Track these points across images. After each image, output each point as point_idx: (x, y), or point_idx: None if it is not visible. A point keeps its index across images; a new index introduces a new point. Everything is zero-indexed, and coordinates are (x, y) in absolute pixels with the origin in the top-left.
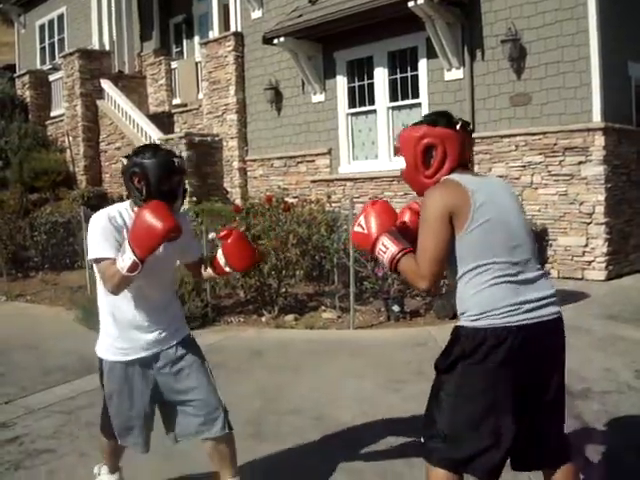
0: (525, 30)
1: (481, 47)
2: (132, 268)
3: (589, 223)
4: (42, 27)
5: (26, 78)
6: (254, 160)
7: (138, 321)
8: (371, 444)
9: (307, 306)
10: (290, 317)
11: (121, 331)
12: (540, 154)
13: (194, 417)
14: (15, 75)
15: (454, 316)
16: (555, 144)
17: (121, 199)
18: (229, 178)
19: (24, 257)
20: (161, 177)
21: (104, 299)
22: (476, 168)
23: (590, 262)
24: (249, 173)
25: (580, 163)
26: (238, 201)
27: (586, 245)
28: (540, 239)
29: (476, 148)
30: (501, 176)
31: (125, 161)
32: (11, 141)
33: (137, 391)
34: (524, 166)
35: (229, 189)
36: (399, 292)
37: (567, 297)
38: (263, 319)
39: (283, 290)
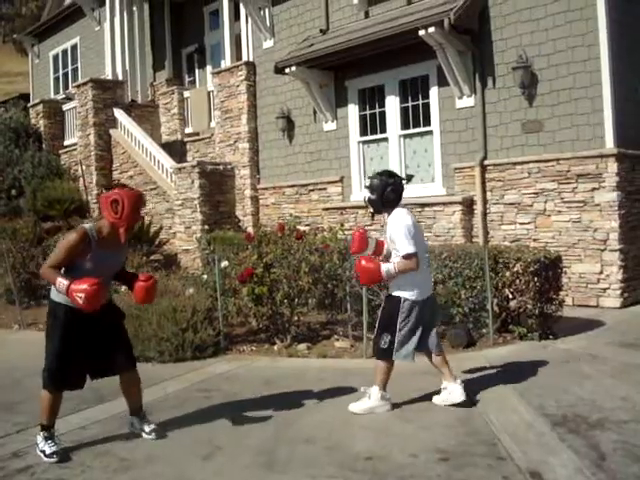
0: (536, 57)
1: (492, 74)
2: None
3: (603, 250)
4: (56, 57)
5: (40, 107)
6: (266, 188)
7: None
8: (386, 476)
9: (320, 335)
10: (303, 346)
11: None
12: (553, 181)
13: None
14: (29, 104)
15: (468, 344)
16: (568, 171)
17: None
18: (241, 206)
19: (37, 285)
20: None
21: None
22: (489, 195)
23: (605, 289)
24: (261, 201)
25: (593, 190)
26: (250, 229)
27: (601, 272)
28: (554, 266)
29: (488, 175)
30: (514, 203)
31: None
32: (25, 170)
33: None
34: (537, 193)
35: (241, 217)
36: None
37: (582, 325)
38: (275, 348)
39: (295, 319)
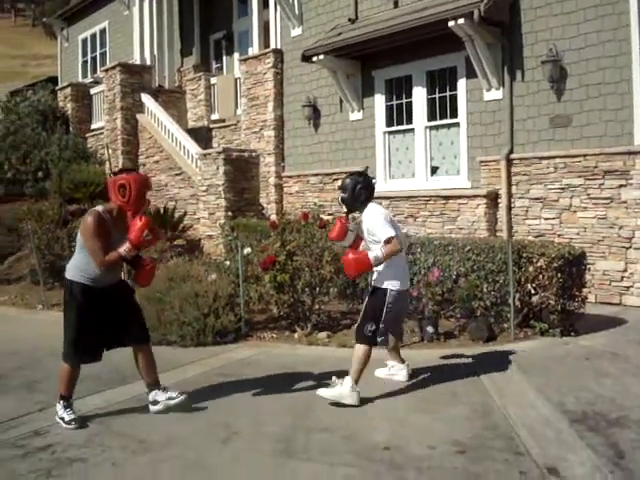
0: (566, 51)
1: (521, 68)
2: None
3: (628, 248)
4: (85, 41)
5: (68, 91)
6: (290, 176)
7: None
8: (402, 466)
9: (340, 324)
10: (323, 334)
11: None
12: (579, 177)
13: None
14: (57, 87)
15: (489, 338)
16: (595, 167)
17: (158, 211)
18: (265, 194)
19: (61, 266)
20: None
21: None
22: (514, 189)
23: (628, 287)
24: (285, 189)
25: (620, 187)
26: (273, 217)
27: (625, 270)
28: (578, 263)
29: (514, 169)
30: (539, 198)
31: None
32: (52, 152)
33: None
34: (563, 188)
35: (265, 205)
36: (433, 312)
37: (604, 323)
38: (296, 335)
39: (316, 307)
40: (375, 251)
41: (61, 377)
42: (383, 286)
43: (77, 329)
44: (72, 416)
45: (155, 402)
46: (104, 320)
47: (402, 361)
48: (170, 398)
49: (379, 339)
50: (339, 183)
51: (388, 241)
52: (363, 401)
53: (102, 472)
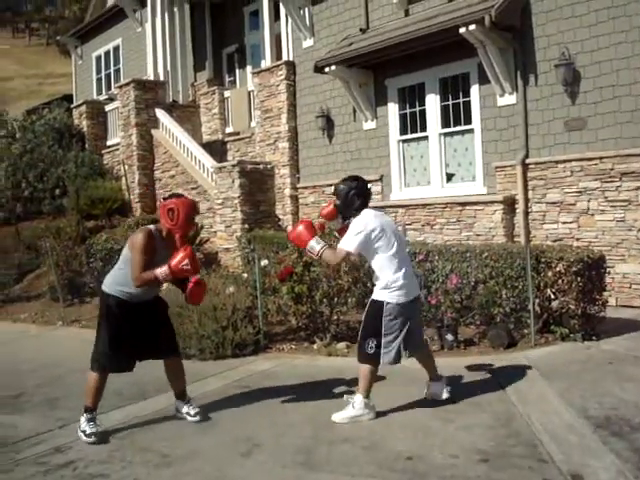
0: (579, 54)
1: (534, 72)
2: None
3: None
4: (98, 58)
5: (83, 108)
6: (306, 187)
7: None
8: (425, 476)
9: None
10: (342, 345)
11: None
12: (596, 179)
13: None
14: (72, 105)
15: (509, 345)
16: (612, 169)
17: None
18: (281, 205)
19: (80, 283)
20: None
21: None
22: (530, 194)
23: None
24: (301, 200)
25: (637, 188)
26: (290, 228)
27: None
28: (597, 266)
29: (530, 174)
30: (556, 202)
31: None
32: (68, 170)
33: None
34: (580, 192)
35: (281, 216)
36: (453, 320)
37: (625, 326)
38: (315, 346)
39: (335, 317)
40: (319, 244)
41: (88, 387)
42: (379, 298)
43: (110, 340)
44: (93, 430)
45: (177, 411)
46: (137, 332)
47: (438, 377)
48: (188, 414)
49: (386, 357)
50: (332, 189)
51: (338, 250)
52: (384, 411)
53: None
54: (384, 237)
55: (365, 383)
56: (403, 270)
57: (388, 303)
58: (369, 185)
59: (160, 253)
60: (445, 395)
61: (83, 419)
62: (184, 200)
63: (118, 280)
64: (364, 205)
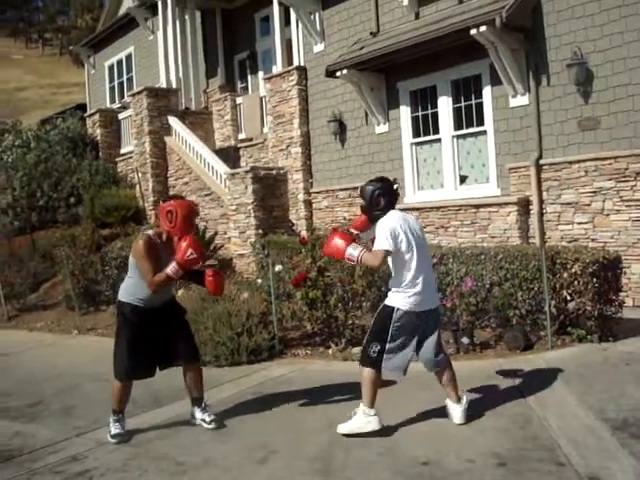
0: (591, 53)
1: (546, 72)
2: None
3: None
4: (111, 67)
5: (96, 117)
6: (319, 192)
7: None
8: None
9: None
10: (357, 349)
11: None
12: (611, 179)
13: None
14: (86, 114)
15: (526, 347)
16: (626, 169)
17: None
18: (294, 210)
19: (95, 291)
20: None
21: None
22: (545, 195)
23: None
24: (314, 205)
25: None
26: (304, 233)
27: None
28: (613, 267)
29: (544, 175)
30: (571, 203)
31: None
32: (83, 178)
33: None
34: (594, 192)
35: (295, 221)
36: (468, 323)
37: None
38: (330, 351)
39: (350, 322)
40: (356, 249)
41: (113, 393)
42: (391, 303)
43: (128, 348)
44: (117, 431)
45: (192, 416)
46: (154, 339)
47: (457, 398)
48: (203, 420)
49: (388, 364)
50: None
51: (375, 252)
52: (398, 415)
53: None
54: (405, 240)
55: (367, 391)
56: (421, 278)
57: (399, 309)
58: (395, 186)
59: (161, 256)
60: (461, 420)
61: (111, 420)
62: (181, 202)
63: (129, 288)
64: (390, 206)
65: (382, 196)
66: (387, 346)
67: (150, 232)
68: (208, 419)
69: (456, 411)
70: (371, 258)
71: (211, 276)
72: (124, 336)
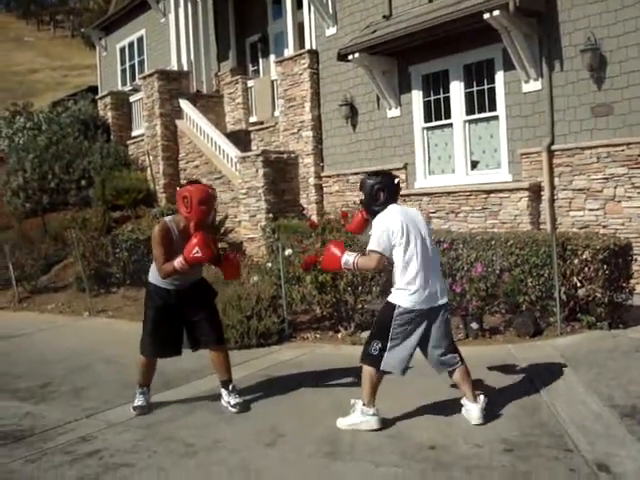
0: (605, 39)
1: (559, 57)
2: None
3: None
4: (122, 49)
5: (108, 99)
6: (330, 176)
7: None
8: (449, 466)
9: None
10: (366, 334)
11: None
12: (623, 166)
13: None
14: (97, 97)
15: (535, 333)
16: (639, 155)
17: None
18: (305, 194)
19: (106, 273)
20: None
21: None
22: (556, 181)
23: None
24: (325, 189)
25: None
26: (314, 217)
27: None
28: (624, 254)
29: (556, 161)
30: (582, 189)
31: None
32: (94, 161)
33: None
34: (607, 178)
35: (305, 205)
36: (478, 309)
37: None
38: (339, 335)
39: (359, 306)
40: (351, 256)
41: (138, 367)
42: (392, 300)
43: (152, 327)
44: (140, 403)
45: (222, 398)
46: (180, 320)
47: (474, 397)
48: (228, 403)
49: (388, 363)
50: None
51: (369, 254)
52: (406, 401)
53: (149, 477)
54: (404, 236)
55: (366, 388)
56: (422, 274)
57: (400, 307)
58: (396, 180)
59: (177, 243)
60: (479, 420)
61: (136, 392)
62: (197, 186)
63: (153, 269)
64: (390, 200)
65: (382, 190)
66: (388, 344)
67: (168, 218)
68: (233, 402)
69: (474, 411)
70: (366, 262)
71: (226, 263)
72: (150, 315)
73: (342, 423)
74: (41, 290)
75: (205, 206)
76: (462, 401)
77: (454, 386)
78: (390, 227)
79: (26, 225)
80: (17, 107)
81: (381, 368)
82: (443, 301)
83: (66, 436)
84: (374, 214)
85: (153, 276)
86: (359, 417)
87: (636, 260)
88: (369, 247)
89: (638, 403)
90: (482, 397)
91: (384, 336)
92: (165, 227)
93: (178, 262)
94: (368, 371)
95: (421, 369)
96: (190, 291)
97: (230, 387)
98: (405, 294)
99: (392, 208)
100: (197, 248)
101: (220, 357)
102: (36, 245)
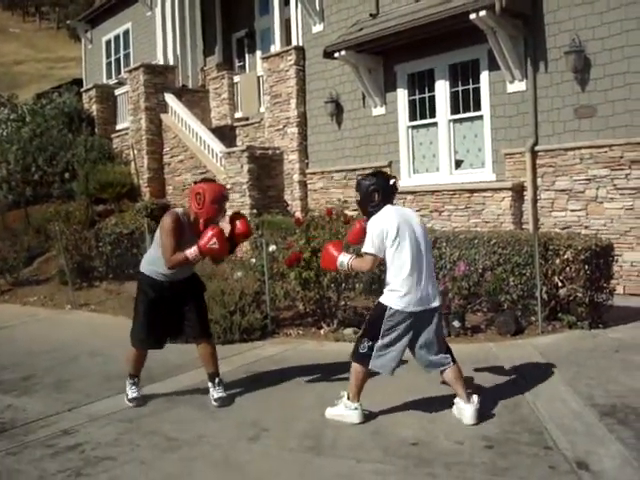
0: (590, 41)
1: (544, 59)
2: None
3: None
4: (108, 42)
5: (93, 92)
6: (314, 173)
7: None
8: (431, 462)
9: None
10: (349, 330)
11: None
12: (606, 167)
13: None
14: (82, 89)
15: (516, 332)
16: (621, 157)
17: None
18: (289, 191)
19: (89, 267)
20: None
21: None
22: (539, 181)
23: None
24: (309, 186)
25: None
26: (298, 214)
27: None
28: (605, 254)
29: (539, 161)
30: (565, 190)
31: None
32: (78, 154)
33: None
34: (589, 179)
35: (289, 202)
36: (460, 307)
37: (633, 314)
38: (322, 332)
39: (342, 303)
40: (345, 257)
41: (127, 358)
42: (383, 301)
43: (143, 317)
44: (134, 395)
45: (207, 391)
46: (169, 312)
47: (467, 397)
48: (212, 396)
49: (376, 362)
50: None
51: (363, 255)
52: (390, 397)
53: (131, 471)
54: (398, 237)
55: (353, 383)
56: (415, 275)
57: (391, 308)
58: (392, 181)
59: (186, 236)
60: (472, 420)
61: (127, 383)
62: (211, 185)
63: (150, 260)
64: (385, 201)
65: (376, 191)
66: (377, 344)
67: (179, 210)
68: (216, 395)
69: (467, 410)
70: (360, 263)
71: (238, 225)
72: (141, 307)
73: (329, 412)
74: (23, 282)
75: (217, 205)
76: (455, 400)
77: (444, 383)
78: (384, 228)
79: (9, 217)
80: (1, 98)
81: (369, 367)
82: (435, 304)
83: (48, 429)
84: (370, 215)
85: (146, 267)
86: (344, 410)
87: (617, 261)
88: (363, 249)
89: (618, 402)
90: (475, 397)
91: (374, 336)
92: (177, 218)
93: (192, 252)
94: (356, 368)
95: (410, 365)
96: (183, 284)
97: (216, 380)
98: (397, 295)
99: (387, 209)
100: (215, 239)
101: (207, 350)
102: (19, 237)
